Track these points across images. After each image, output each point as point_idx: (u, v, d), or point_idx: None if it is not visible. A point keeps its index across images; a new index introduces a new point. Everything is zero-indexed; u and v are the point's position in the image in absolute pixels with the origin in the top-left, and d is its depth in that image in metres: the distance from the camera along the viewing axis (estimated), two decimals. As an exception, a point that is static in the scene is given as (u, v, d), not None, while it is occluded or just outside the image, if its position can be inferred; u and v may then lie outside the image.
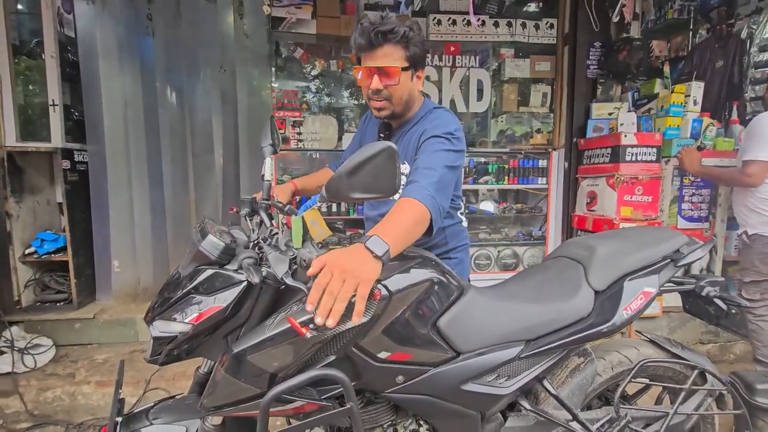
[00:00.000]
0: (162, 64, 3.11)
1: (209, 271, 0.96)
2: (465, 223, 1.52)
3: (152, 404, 1.13)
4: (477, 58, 3.45)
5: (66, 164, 2.83)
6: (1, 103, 2.67)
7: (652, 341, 1.33)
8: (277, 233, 1.06)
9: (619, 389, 1.20)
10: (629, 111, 3.05)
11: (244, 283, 0.94)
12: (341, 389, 0.94)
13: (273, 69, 3.26)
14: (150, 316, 1.01)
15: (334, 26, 3.17)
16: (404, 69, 1.23)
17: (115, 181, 3.02)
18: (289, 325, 0.84)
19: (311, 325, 0.83)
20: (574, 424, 1.17)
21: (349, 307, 0.82)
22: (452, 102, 3.45)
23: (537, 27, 3.42)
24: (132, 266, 3.16)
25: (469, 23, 3.30)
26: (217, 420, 1.05)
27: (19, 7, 2.88)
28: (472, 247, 3.41)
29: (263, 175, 1.25)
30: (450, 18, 3.31)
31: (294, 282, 0.88)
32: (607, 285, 1.18)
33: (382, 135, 1.42)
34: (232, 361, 0.94)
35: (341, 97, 3.57)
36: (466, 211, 3.67)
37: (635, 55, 3.05)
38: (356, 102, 3.60)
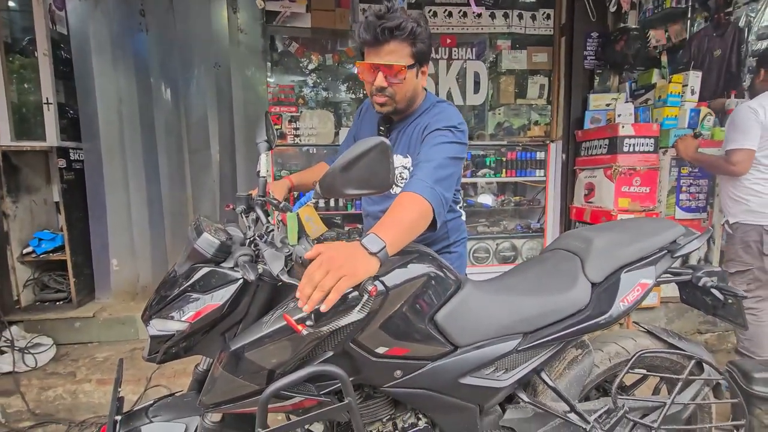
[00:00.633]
0: (156, 60, 3.08)
1: (205, 269, 0.96)
2: (464, 217, 1.51)
3: (152, 402, 1.13)
4: (474, 50, 3.43)
5: (62, 163, 2.82)
6: (-5, 103, 2.65)
7: (649, 332, 1.34)
8: (273, 230, 1.05)
9: (617, 380, 1.21)
10: (627, 102, 3.04)
11: (240, 281, 0.94)
12: (339, 384, 0.95)
13: (268, 64, 3.24)
14: (147, 314, 1.01)
15: (329, 19, 3.14)
16: (410, 66, 1.18)
17: (111, 179, 3.01)
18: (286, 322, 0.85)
19: (308, 322, 0.84)
20: (572, 416, 1.17)
21: (342, 304, 0.83)
22: (449, 94, 3.43)
23: (534, 18, 3.40)
24: (131, 264, 3.16)
25: (465, 15, 3.27)
26: (216, 417, 1.05)
27: (11, 4, 2.85)
28: (470, 240, 3.41)
29: (258, 172, 1.25)
30: (446, 10, 3.29)
31: (290, 279, 0.88)
32: (604, 277, 1.19)
33: (382, 129, 1.39)
34: (229, 358, 0.95)
35: (338, 91, 3.55)
36: (464, 204, 3.67)
37: (632, 45, 3.04)
38: (353, 96, 3.58)
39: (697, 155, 2.42)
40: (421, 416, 1.15)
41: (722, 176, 2.27)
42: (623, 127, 2.73)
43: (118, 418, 1.06)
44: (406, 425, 1.14)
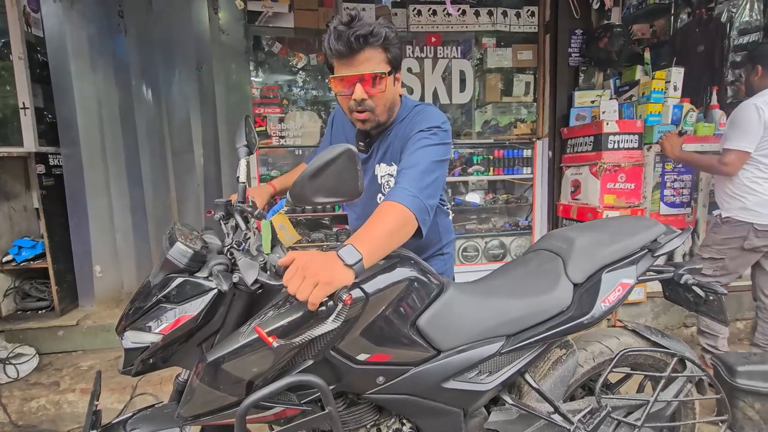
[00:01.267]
0: (136, 62, 3.03)
1: (179, 280, 0.94)
2: (451, 216, 1.50)
3: (130, 415, 1.11)
4: (459, 48, 3.42)
5: (41, 169, 2.76)
6: (-32, 108, 2.58)
7: (632, 330, 1.34)
8: (250, 237, 1.03)
9: (600, 379, 1.21)
10: (611, 98, 3.06)
11: (215, 291, 0.92)
12: None
13: (252, 64, 3.20)
14: (121, 326, 0.99)
15: (312, 19, 3.12)
16: (389, 73, 1.13)
17: (92, 184, 2.95)
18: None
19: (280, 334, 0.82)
20: (556, 416, 1.17)
21: (318, 315, 0.81)
22: (435, 93, 3.42)
23: (518, 15, 3.40)
24: (114, 270, 3.11)
25: (449, 13, 3.26)
26: (196, 429, 1.03)
27: (-17, 6, 2.77)
28: (460, 239, 3.42)
29: (238, 177, 1.22)
30: (430, 8, 3.27)
31: (267, 279, 0.87)
32: (586, 277, 1.18)
33: (360, 144, 1.31)
34: (206, 369, 0.93)
35: (323, 91, 3.52)
36: (452, 203, 3.65)
37: (616, 42, 3.05)
38: (338, 96, 3.54)
39: (683, 154, 2.44)
40: (405, 421, 1.14)
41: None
42: (608, 124, 2.75)
43: (95, 432, 1.04)
44: (391, 431, 1.13)
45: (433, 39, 3.35)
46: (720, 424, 1.35)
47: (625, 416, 1.26)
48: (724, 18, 3.50)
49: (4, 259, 2.77)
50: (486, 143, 3.49)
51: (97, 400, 1.09)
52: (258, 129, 3.14)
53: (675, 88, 2.85)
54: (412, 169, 1.07)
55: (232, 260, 0.97)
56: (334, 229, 3.37)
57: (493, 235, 3.50)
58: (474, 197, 3.50)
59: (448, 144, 1.18)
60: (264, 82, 3.29)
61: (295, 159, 3.33)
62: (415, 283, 1.04)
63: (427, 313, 1.05)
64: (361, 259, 0.86)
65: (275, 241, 0.94)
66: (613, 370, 1.22)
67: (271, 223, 0.92)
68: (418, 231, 1.05)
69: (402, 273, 1.03)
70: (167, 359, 1.01)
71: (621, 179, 2.78)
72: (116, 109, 3.02)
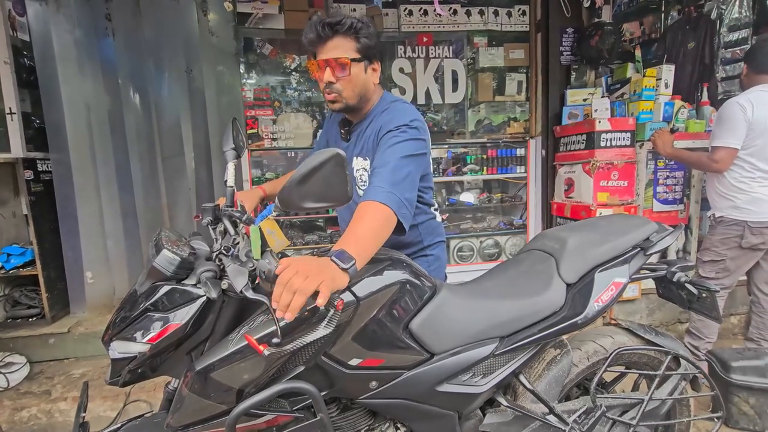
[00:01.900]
0: (124, 65, 2.99)
1: (166, 288, 0.92)
2: (439, 218, 1.49)
3: (119, 426, 1.09)
4: (451, 48, 3.41)
5: (29, 174, 2.72)
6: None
7: (626, 329, 1.34)
8: (239, 242, 1.01)
9: (595, 379, 1.20)
10: (603, 96, 3.07)
11: (203, 298, 0.91)
12: None
13: (242, 66, 3.17)
14: (108, 335, 0.96)
15: (302, 20, 3.08)
16: (355, 60, 1.22)
17: (82, 189, 2.91)
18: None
19: (274, 340, 0.81)
20: (551, 417, 1.17)
21: (309, 321, 0.80)
22: (427, 93, 3.41)
23: (509, 14, 3.40)
24: (106, 276, 3.07)
25: (440, 14, 3.25)
26: (186, 438, 1.01)
27: (-32, 10, 2.73)
28: (454, 238, 3.41)
29: (226, 181, 1.21)
30: (421, 8, 3.26)
31: (255, 295, 0.84)
32: (579, 277, 1.18)
33: (342, 131, 1.41)
34: (196, 378, 0.91)
35: (316, 92, 3.50)
36: (446, 203, 3.63)
37: (607, 40, 3.05)
38: (331, 97, 3.52)
39: (675, 151, 2.44)
40: (399, 425, 1.13)
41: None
42: (600, 122, 2.75)
43: (82, 444, 1.02)
44: (385, 435, 1.12)
45: (425, 39, 3.33)
46: (715, 420, 1.35)
47: (620, 415, 1.26)
48: (713, 15, 3.51)
49: (-7, 267, 2.73)
50: (479, 142, 3.49)
51: (84, 412, 1.06)
52: (250, 131, 3.11)
53: (666, 86, 2.86)
54: (384, 167, 1.11)
55: (221, 266, 0.96)
56: (329, 231, 3.35)
57: (487, 235, 3.49)
58: (468, 197, 3.50)
59: (420, 140, 1.21)
60: (255, 84, 3.26)
61: (288, 161, 3.31)
62: (407, 286, 1.03)
63: (419, 316, 1.04)
64: (354, 263, 0.86)
65: (265, 247, 0.92)
66: (608, 369, 1.22)
67: (260, 228, 0.90)
68: (401, 226, 1.06)
69: (394, 276, 1.02)
70: (156, 368, 0.99)
71: (614, 177, 2.78)
72: (105, 113, 2.98)
